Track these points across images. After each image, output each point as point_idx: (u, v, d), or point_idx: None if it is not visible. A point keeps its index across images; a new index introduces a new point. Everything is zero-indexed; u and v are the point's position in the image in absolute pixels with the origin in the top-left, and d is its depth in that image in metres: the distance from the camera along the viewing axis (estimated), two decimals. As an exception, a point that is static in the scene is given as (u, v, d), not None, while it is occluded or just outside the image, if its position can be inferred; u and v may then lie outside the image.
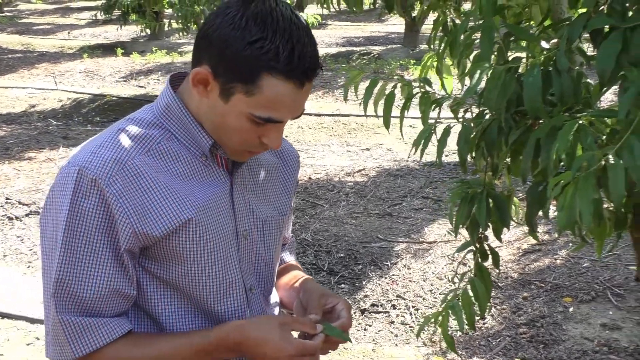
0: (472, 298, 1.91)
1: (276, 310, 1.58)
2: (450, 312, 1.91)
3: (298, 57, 1.23)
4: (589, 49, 1.72)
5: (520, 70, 1.70)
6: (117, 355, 1.31)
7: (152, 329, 1.37)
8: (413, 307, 3.92)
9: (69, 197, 1.26)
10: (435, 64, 2.28)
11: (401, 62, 10.13)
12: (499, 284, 4.07)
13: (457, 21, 2.15)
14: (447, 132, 1.82)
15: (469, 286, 1.91)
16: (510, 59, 1.72)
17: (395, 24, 14.92)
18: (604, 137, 1.56)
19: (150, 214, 1.29)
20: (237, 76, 1.25)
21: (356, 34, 14.80)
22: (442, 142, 1.81)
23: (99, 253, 1.27)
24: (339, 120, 7.92)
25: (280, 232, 1.55)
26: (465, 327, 1.92)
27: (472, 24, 2.25)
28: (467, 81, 1.83)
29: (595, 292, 3.92)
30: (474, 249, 1.94)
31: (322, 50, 10.96)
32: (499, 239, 1.89)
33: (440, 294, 4.03)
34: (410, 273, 4.30)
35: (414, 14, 10.02)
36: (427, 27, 10.66)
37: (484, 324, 3.72)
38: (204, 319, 1.40)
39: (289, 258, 1.71)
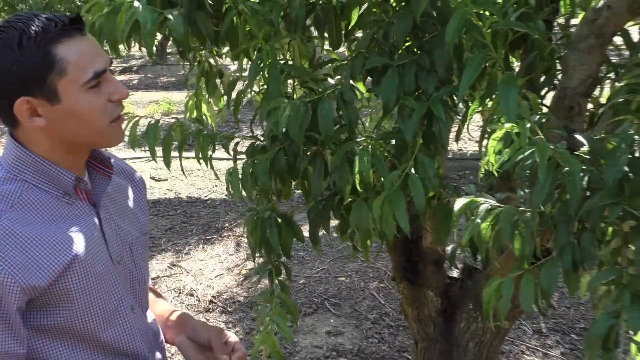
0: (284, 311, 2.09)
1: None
2: (275, 327, 2.06)
3: (50, 19, 1.28)
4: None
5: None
6: None
7: None
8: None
9: None
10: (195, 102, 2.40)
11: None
12: (229, 309, 4.27)
13: (213, 62, 2.30)
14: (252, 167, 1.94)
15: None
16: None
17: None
18: (387, 157, 1.82)
19: (32, 267, 1.27)
20: (41, 71, 1.26)
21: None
22: (244, 179, 1.94)
23: None
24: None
25: (147, 250, 1.60)
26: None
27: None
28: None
29: (315, 305, 4.30)
30: (271, 268, 2.11)
31: None
32: (288, 256, 2.08)
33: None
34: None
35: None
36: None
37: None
38: (94, 350, 1.41)
39: None
